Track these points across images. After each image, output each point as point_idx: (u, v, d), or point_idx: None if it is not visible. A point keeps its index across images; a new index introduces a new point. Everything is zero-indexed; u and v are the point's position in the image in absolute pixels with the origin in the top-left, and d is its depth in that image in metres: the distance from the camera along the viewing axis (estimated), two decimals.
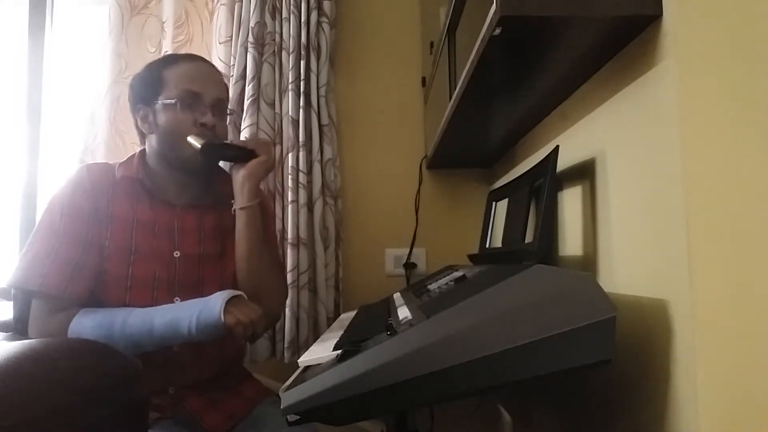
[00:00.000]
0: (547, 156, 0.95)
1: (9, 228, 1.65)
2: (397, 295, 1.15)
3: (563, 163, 1.01)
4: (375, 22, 1.76)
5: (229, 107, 1.13)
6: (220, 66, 1.60)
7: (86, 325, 0.93)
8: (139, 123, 1.08)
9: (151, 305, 0.96)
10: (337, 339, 0.82)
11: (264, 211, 1.14)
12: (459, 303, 0.62)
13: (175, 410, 1.01)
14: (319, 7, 1.61)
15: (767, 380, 0.60)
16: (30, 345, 0.71)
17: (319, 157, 1.58)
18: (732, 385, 0.60)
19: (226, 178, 1.10)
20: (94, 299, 0.99)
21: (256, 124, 1.56)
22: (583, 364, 0.59)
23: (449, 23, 1.10)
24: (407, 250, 1.69)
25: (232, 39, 1.61)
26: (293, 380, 0.72)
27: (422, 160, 1.72)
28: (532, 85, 0.94)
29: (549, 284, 0.61)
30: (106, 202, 1.02)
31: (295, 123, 1.57)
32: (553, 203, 1.06)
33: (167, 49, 1.63)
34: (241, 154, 1.05)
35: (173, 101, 1.01)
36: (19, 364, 0.66)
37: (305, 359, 0.76)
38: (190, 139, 1.00)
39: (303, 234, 1.54)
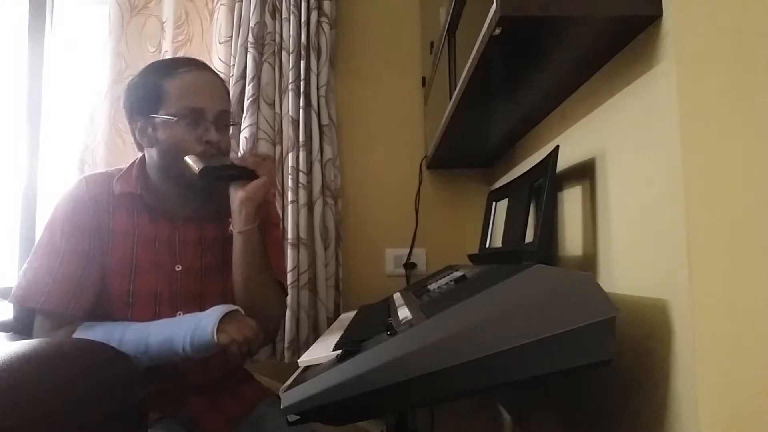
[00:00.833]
0: (547, 156, 0.95)
1: (9, 228, 1.65)
2: (397, 295, 1.15)
3: (563, 163, 1.01)
4: (375, 22, 1.76)
5: (232, 118, 1.09)
6: (220, 66, 1.60)
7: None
8: (137, 135, 1.03)
9: (154, 319, 0.95)
10: (337, 339, 0.82)
11: (267, 220, 1.12)
12: (459, 303, 0.62)
13: (177, 410, 1.01)
14: (319, 7, 1.61)
15: (766, 380, 0.60)
16: (31, 346, 0.71)
17: (319, 157, 1.58)
18: (732, 385, 0.60)
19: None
20: (98, 314, 0.98)
21: (256, 124, 1.56)
22: (583, 364, 0.59)
23: (449, 23, 1.10)
24: (407, 250, 1.69)
25: (232, 39, 1.61)
26: (293, 380, 0.72)
27: (422, 160, 1.72)
28: (532, 85, 0.94)
29: (549, 284, 0.61)
30: (106, 216, 1.00)
31: (295, 123, 1.57)
32: (553, 203, 1.06)
33: (167, 49, 1.63)
34: (241, 173, 1.00)
35: (175, 118, 0.97)
36: (19, 364, 0.66)
37: (305, 359, 0.76)
38: (188, 161, 0.97)
39: (303, 234, 1.54)
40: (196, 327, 0.89)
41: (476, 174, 1.73)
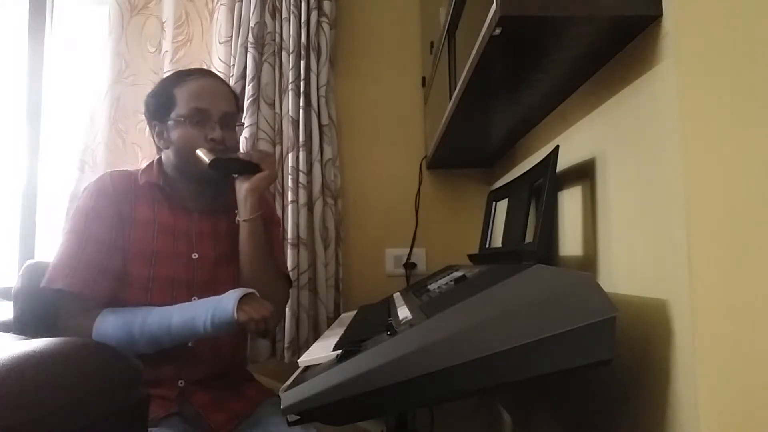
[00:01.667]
0: (547, 156, 0.95)
1: (9, 228, 1.65)
2: (397, 295, 1.15)
3: (563, 163, 1.01)
4: (375, 22, 1.76)
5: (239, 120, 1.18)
6: (220, 66, 1.61)
7: (109, 323, 0.98)
8: (155, 138, 1.14)
9: (171, 304, 1.02)
10: (337, 339, 0.82)
11: (269, 219, 1.20)
12: (459, 303, 0.63)
13: (182, 404, 1.04)
14: (319, 7, 1.61)
15: (766, 380, 0.60)
16: (31, 346, 0.71)
17: (319, 157, 1.58)
18: (732, 385, 0.60)
19: None
20: (118, 299, 1.03)
21: (256, 124, 1.56)
22: (583, 364, 0.59)
23: (449, 23, 1.10)
24: (407, 250, 1.69)
25: (232, 39, 1.61)
26: (293, 380, 0.72)
27: (422, 160, 1.72)
28: (532, 85, 0.94)
29: (549, 284, 0.61)
30: (128, 207, 1.08)
31: (295, 123, 1.57)
32: (553, 203, 1.06)
33: (167, 49, 1.63)
34: (247, 167, 1.10)
35: (183, 118, 1.07)
36: (20, 365, 0.66)
37: (305, 359, 0.76)
38: (199, 153, 1.06)
39: (303, 234, 1.54)
40: (216, 306, 0.97)
41: (476, 174, 1.73)
